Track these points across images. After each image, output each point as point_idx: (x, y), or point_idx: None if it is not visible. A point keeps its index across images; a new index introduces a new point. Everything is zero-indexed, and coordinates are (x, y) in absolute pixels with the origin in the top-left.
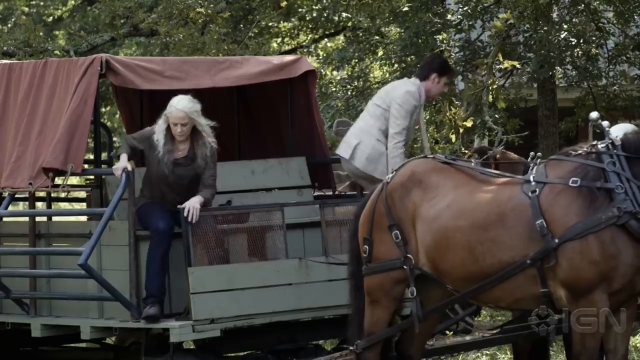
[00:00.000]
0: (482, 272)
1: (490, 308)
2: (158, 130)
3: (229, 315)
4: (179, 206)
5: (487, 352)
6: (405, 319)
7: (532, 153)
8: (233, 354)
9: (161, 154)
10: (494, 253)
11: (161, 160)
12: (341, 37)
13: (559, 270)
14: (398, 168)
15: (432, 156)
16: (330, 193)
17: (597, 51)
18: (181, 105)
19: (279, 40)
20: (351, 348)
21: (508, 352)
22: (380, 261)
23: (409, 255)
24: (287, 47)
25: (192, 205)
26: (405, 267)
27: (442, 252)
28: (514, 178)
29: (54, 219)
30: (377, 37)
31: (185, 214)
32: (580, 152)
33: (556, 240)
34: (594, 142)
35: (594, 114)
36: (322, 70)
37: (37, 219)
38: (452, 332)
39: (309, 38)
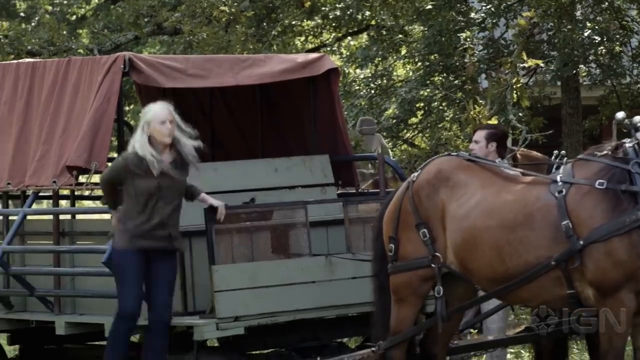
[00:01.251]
0: (508, 272)
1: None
2: (140, 145)
3: (252, 313)
4: (205, 207)
5: (512, 350)
6: (428, 317)
7: (555, 152)
8: (257, 352)
9: (154, 165)
10: (520, 254)
11: (152, 172)
12: (364, 36)
13: (585, 271)
14: (423, 166)
15: (455, 154)
16: (354, 191)
17: (620, 49)
18: (159, 105)
19: (302, 38)
20: (373, 349)
21: (532, 350)
22: (407, 260)
23: (437, 254)
24: (310, 46)
25: (222, 205)
26: (433, 265)
27: (470, 252)
28: (542, 177)
29: (78, 217)
30: (401, 36)
31: (218, 216)
32: (605, 152)
33: (581, 242)
34: (621, 142)
35: (620, 114)
36: (345, 69)
37: (61, 217)
38: (476, 331)
39: (332, 36)
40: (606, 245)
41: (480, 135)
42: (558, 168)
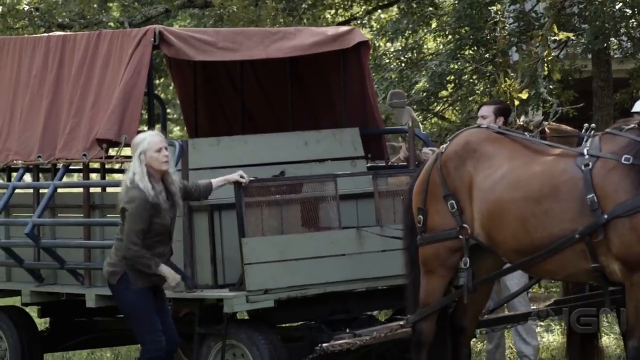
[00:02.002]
0: (532, 244)
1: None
2: (140, 178)
3: (282, 285)
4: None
5: (542, 323)
6: (457, 289)
7: (585, 125)
8: (286, 325)
9: (158, 200)
10: (545, 226)
11: (158, 207)
12: (395, 9)
13: (610, 245)
14: (452, 137)
15: (485, 126)
16: (383, 164)
17: None
18: (150, 132)
19: (333, 12)
20: (401, 323)
21: (562, 324)
22: (435, 231)
23: (465, 225)
24: (340, 19)
25: (239, 175)
26: (460, 237)
27: (496, 223)
28: (569, 150)
29: (108, 189)
30: (431, 9)
31: (244, 184)
32: (632, 126)
33: (605, 216)
34: None
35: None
36: (375, 42)
37: (91, 190)
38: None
39: (362, 9)
40: (631, 220)
41: (487, 110)
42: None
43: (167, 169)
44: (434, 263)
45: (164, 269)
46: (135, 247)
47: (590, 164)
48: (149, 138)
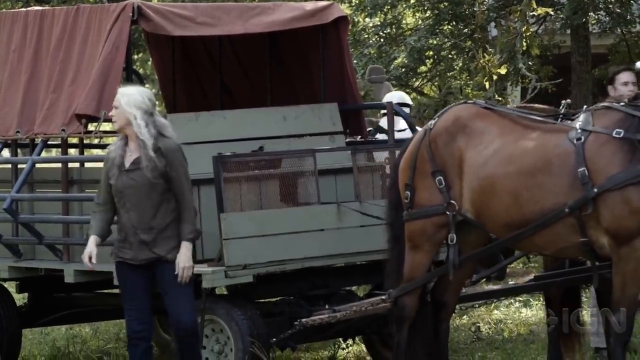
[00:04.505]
0: (524, 219)
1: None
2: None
3: (261, 260)
4: (213, 155)
5: (520, 298)
6: (438, 265)
7: (563, 101)
8: (265, 300)
9: (112, 157)
10: (537, 200)
11: (119, 169)
12: None
13: (601, 219)
14: (440, 114)
15: (472, 102)
16: (362, 139)
17: None
18: (124, 89)
19: None
20: (383, 297)
21: (540, 299)
22: (422, 207)
23: (452, 201)
24: None
25: (184, 264)
26: (448, 213)
27: (488, 198)
28: (561, 125)
29: (87, 165)
30: None
31: (179, 279)
32: (625, 101)
33: (595, 190)
34: None
35: (639, 63)
36: (354, 18)
37: (70, 165)
38: (484, 279)
39: None
40: (622, 193)
41: (630, 76)
42: (564, 118)
43: (115, 128)
44: (420, 239)
45: (90, 239)
46: (94, 205)
47: (583, 137)
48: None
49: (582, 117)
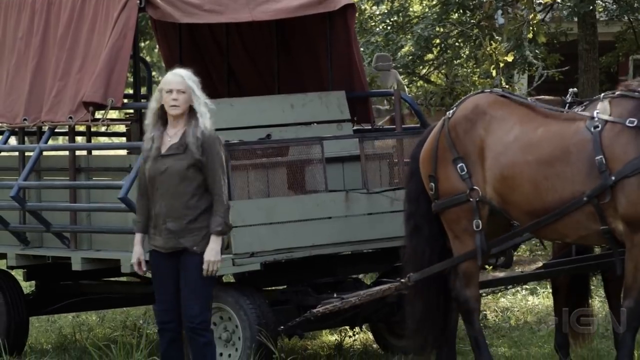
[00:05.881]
0: (544, 207)
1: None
2: (148, 114)
3: (268, 248)
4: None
5: (527, 286)
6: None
7: (570, 90)
8: (272, 288)
9: (149, 144)
10: (556, 189)
11: (153, 155)
12: None
13: (618, 206)
14: (458, 103)
15: (489, 90)
16: (369, 127)
17: None
18: (178, 71)
19: None
20: (402, 280)
21: (548, 286)
22: (447, 196)
23: (475, 187)
24: None
25: (210, 258)
26: (471, 199)
27: (509, 186)
28: (579, 114)
29: (94, 152)
30: None
31: (205, 273)
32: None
33: (613, 178)
34: None
35: None
36: (361, 5)
37: (77, 153)
38: (491, 267)
39: None
40: (638, 180)
41: None
42: (572, 107)
43: (174, 114)
44: (457, 228)
45: (135, 239)
46: (137, 196)
47: (600, 126)
48: (169, 76)
49: (599, 105)
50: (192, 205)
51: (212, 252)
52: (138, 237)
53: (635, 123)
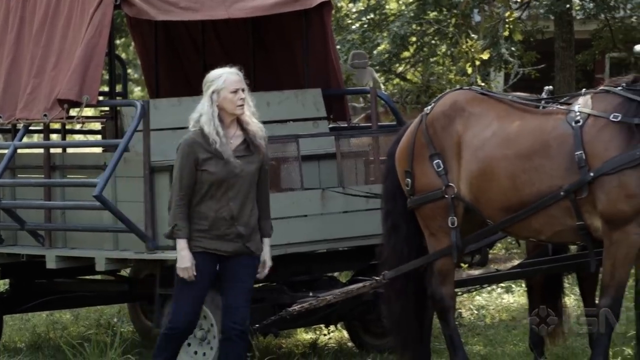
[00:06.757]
0: (521, 202)
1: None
2: (207, 119)
3: None
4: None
5: (502, 285)
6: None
7: (546, 87)
8: None
9: (220, 147)
10: (534, 182)
11: (221, 156)
12: None
13: (596, 202)
14: (436, 99)
15: (467, 87)
16: (346, 125)
17: None
18: (231, 70)
19: None
20: (377, 278)
21: (523, 285)
22: (423, 192)
23: (450, 184)
24: None
25: (270, 262)
26: (446, 196)
27: (485, 181)
28: (559, 108)
29: (69, 150)
30: None
31: (258, 275)
32: (623, 84)
33: (591, 174)
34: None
35: (638, 47)
36: (337, 3)
37: (52, 150)
38: (467, 265)
39: None
40: (618, 177)
41: None
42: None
43: (241, 113)
44: (433, 225)
45: (180, 245)
46: (174, 198)
47: (581, 120)
48: (226, 76)
49: (580, 100)
50: (255, 208)
51: (270, 255)
52: (183, 242)
53: (620, 118)
